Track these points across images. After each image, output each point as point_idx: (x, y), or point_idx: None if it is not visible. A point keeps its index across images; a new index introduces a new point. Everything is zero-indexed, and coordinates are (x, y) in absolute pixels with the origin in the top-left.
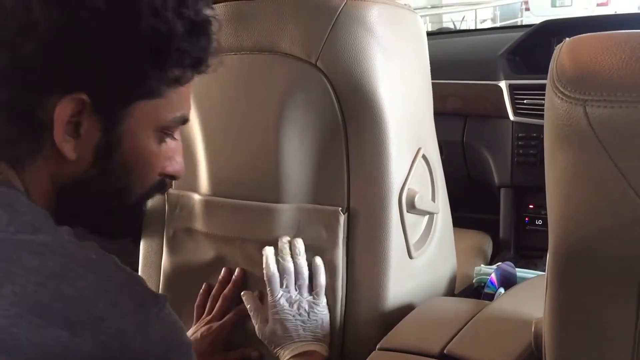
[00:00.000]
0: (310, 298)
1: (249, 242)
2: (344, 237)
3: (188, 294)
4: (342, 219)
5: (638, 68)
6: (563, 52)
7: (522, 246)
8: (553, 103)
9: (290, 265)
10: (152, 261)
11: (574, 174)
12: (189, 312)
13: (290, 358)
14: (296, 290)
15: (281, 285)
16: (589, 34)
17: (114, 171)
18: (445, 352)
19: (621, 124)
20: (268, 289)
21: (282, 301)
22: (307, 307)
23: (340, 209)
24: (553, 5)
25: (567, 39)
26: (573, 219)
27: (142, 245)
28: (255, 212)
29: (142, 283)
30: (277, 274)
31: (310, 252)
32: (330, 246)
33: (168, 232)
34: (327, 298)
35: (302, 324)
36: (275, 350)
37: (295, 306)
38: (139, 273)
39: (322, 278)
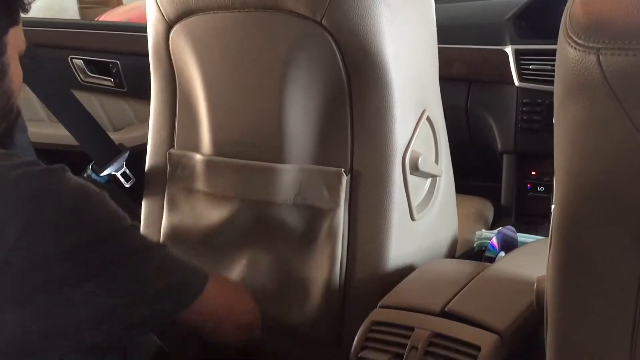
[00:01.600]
0: None
1: (250, 202)
2: (346, 198)
3: (188, 254)
4: (345, 179)
5: None
6: (576, 1)
7: (524, 213)
8: (565, 53)
9: None
10: (154, 220)
11: (584, 124)
12: None
13: None
14: None
15: None
16: None
17: (5, 94)
18: (446, 310)
19: (635, 73)
20: None
21: None
22: None
23: (342, 169)
24: None
25: None
26: (581, 171)
27: (143, 204)
28: (256, 172)
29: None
30: None
31: (312, 213)
32: (332, 207)
33: (169, 192)
34: (328, 259)
35: None
36: None
37: None
38: (142, 230)
39: None
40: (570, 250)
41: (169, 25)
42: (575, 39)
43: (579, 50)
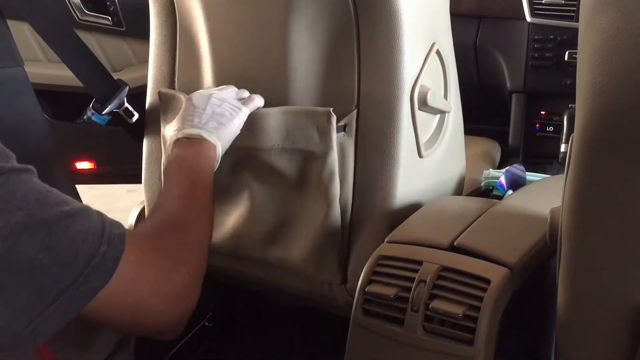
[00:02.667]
0: (237, 102)
1: (239, 149)
2: (349, 135)
3: None
4: (334, 119)
5: None
6: None
7: (532, 153)
8: None
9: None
10: (154, 158)
11: (613, 37)
12: None
13: (174, 141)
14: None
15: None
16: None
17: None
18: (455, 244)
19: None
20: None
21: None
22: (227, 106)
23: (331, 109)
24: None
25: None
26: (608, 89)
27: (144, 143)
28: (252, 116)
29: None
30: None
31: (303, 156)
32: (325, 149)
33: (163, 131)
34: (326, 199)
35: (208, 111)
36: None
37: (216, 98)
38: (143, 170)
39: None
40: (590, 177)
41: None
42: None
43: None
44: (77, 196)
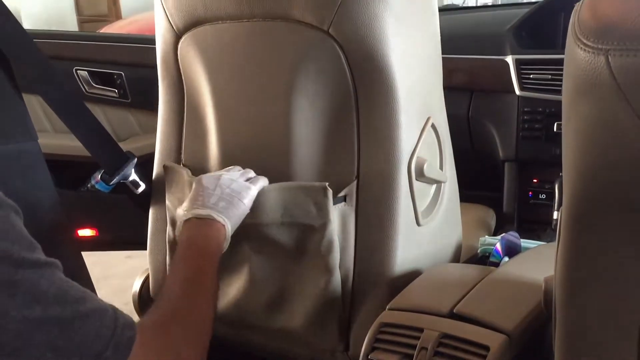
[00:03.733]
0: (245, 183)
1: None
2: (350, 206)
3: None
4: (330, 193)
5: None
6: (584, 6)
7: (526, 219)
8: (575, 55)
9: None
10: (160, 228)
11: (594, 122)
12: None
13: (184, 222)
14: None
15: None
16: None
17: None
18: (454, 311)
19: None
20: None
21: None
22: (236, 186)
23: (327, 184)
24: None
25: None
26: (591, 169)
27: (150, 213)
28: None
29: None
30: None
31: (303, 229)
32: (323, 222)
33: (167, 203)
34: (326, 270)
35: (218, 192)
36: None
37: (226, 179)
38: (148, 239)
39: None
40: (578, 248)
41: (177, 35)
42: (585, 41)
43: (588, 51)
44: (83, 266)
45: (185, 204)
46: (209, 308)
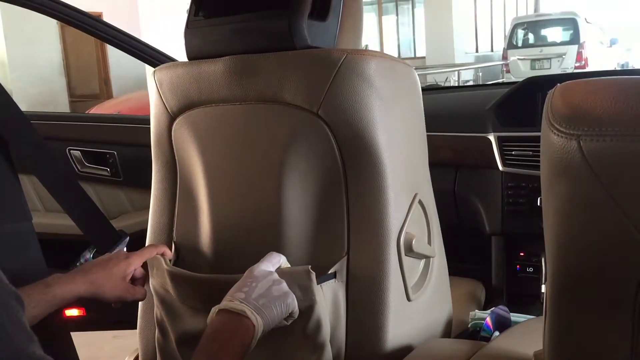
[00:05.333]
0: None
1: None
2: (340, 282)
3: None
4: (314, 276)
5: (626, 107)
6: (556, 94)
7: (514, 293)
8: (549, 139)
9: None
10: (150, 307)
11: (570, 203)
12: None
13: (215, 314)
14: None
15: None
16: (577, 80)
17: None
18: None
19: (613, 156)
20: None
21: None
22: (284, 288)
23: (309, 266)
24: (532, 68)
25: (559, 84)
26: (570, 246)
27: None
28: (222, 286)
29: None
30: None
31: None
32: (307, 304)
33: (153, 287)
34: (316, 350)
35: (263, 287)
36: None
37: (276, 277)
38: (139, 318)
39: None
40: (563, 320)
41: (172, 117)
42: (557, 126)
43: (561, 136)
44: (72, 347)
45: (230, 290)
46: None
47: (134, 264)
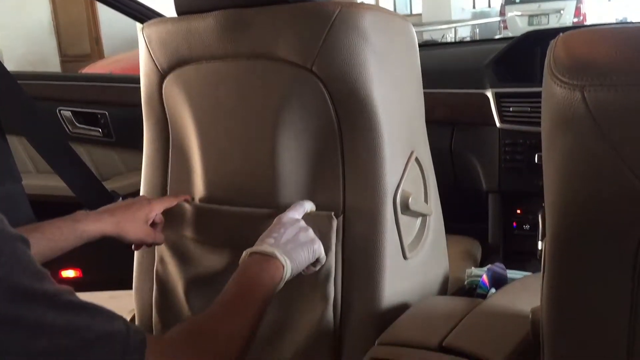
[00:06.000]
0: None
1: (240, 251)
2: (338, 240)
3: (180, 300)
4: (335, 223)
5: (632, 56)
6: (558, 44)
7: (511, 250)
8: (552, 91)
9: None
10: (146, 267)
11: (572, 157)
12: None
13: (247, 255)
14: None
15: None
16: (580, 29)
17: None
18: (444, 345)
19: (618, 107)
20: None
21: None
22: (311, 234)
23: (332, 213)
24: (530, 24)
25: (562, 33)
26: (570, 199)
27: (135, 252)
28: (245, 220)
29: None
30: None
31: None
32: (325, 250)
33: (171, 237)
34: (321, 301)
35: (291, 233)
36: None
37: (303, 224)
38: (134, 278)
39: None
40: (562, 277)
41: (162, 75)
42: (560, 77)
43: (564, 87)
44: None
45: (261, 237)
46: (243, 333)
47: (156, 210)
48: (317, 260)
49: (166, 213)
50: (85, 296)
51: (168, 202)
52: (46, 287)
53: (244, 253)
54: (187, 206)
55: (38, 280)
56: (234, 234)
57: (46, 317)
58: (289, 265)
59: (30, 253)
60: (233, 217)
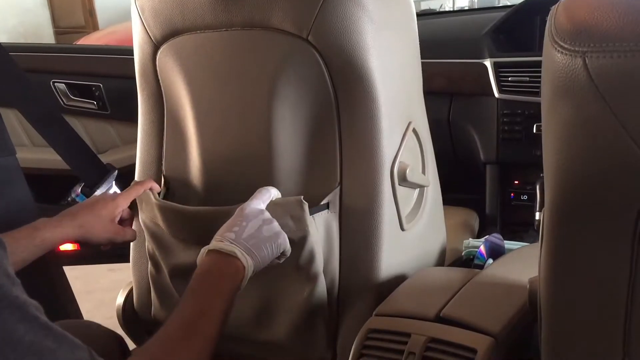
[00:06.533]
0: (280, 230)
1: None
2: (333, 212)
3: (166, 287)
4: (306, 206)
5: (635, 21)
6: (559, 10)
7: (508, 221)
8: (552, 58)
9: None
10: (142, 241)
11: (573, 124)
12: None
13: (207, 252)
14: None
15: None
16: None
17: None
18: (441, 315)
19: (620, 73)
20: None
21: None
22: (275, 228)
23: (302, 197)
24: None
25: (561, 0)
26: (570, 169)
27: (132, 225)
28: (213, 219)
29: None
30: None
31: None
32: (301, 234)
33: (143, 220)
34: (310, 281)
35: (253, 227)
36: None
37: (267, 217)
38: (131, 250)
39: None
40: (561, 247)
41: (155, 46)
42: (562, 43)
43: (566, 54)
44: (65, 281)
45: (220, 230)
46: (204, 355)
47: (122, 205)
48: (282, 254)
49: (141, 199)
50: (85, 269)
51: (134, 193)
52: (18, 294)
53: (202, 250)
54: (152, 200)
55: (12, 285)
56: (201, 232)
57: (16, 331)
58: (250, 264)
59: (5, 256)
60: (197, 217)
